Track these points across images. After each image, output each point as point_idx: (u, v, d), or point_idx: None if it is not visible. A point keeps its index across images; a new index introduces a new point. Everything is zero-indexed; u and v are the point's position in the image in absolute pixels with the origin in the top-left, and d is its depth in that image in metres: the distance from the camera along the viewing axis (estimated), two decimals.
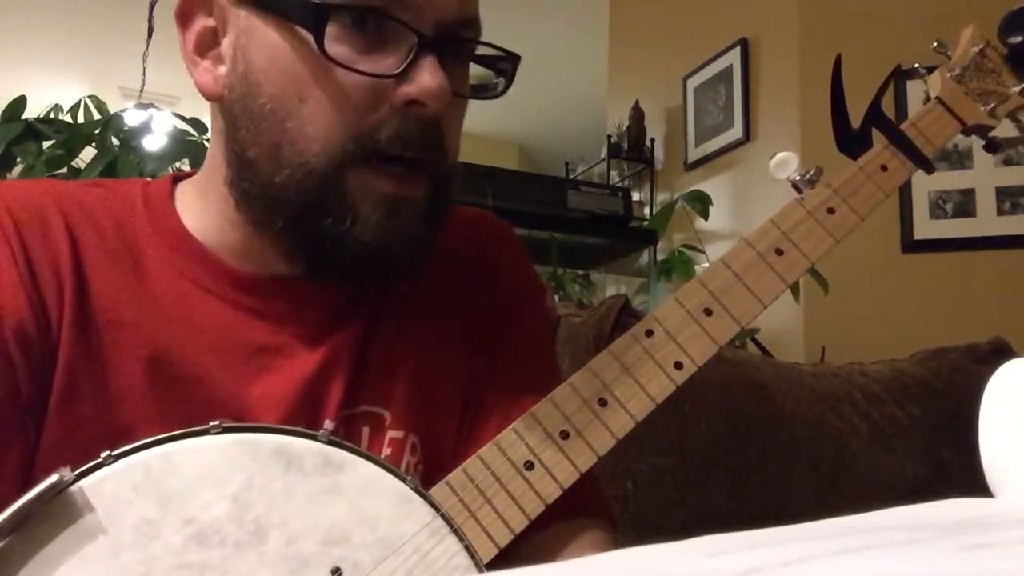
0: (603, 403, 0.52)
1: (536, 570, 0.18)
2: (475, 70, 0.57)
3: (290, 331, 0.56)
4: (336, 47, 0.49)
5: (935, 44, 0.69)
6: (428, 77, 0.48)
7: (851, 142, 0.63)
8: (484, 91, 0.56)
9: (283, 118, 0.50)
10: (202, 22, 0.54)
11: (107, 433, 0.44)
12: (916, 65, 0.69)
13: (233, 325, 0.55)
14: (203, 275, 0.55)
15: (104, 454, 0.42)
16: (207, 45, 0.54)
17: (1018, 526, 0.20)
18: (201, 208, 0.57)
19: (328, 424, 0.54)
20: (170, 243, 0.56)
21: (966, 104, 0.66)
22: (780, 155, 0.61)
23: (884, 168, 0.61)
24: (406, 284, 0.61)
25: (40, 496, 0.40)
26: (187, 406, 0.49)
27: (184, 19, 0.54)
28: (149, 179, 0.61)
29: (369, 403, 0.56)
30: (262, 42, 0.51)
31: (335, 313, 0.57)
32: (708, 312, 0.55)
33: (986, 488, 0.29)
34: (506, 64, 0.56)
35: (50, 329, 0.50)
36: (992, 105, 0.67)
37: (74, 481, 0.41)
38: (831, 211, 0.59)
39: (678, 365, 0.54)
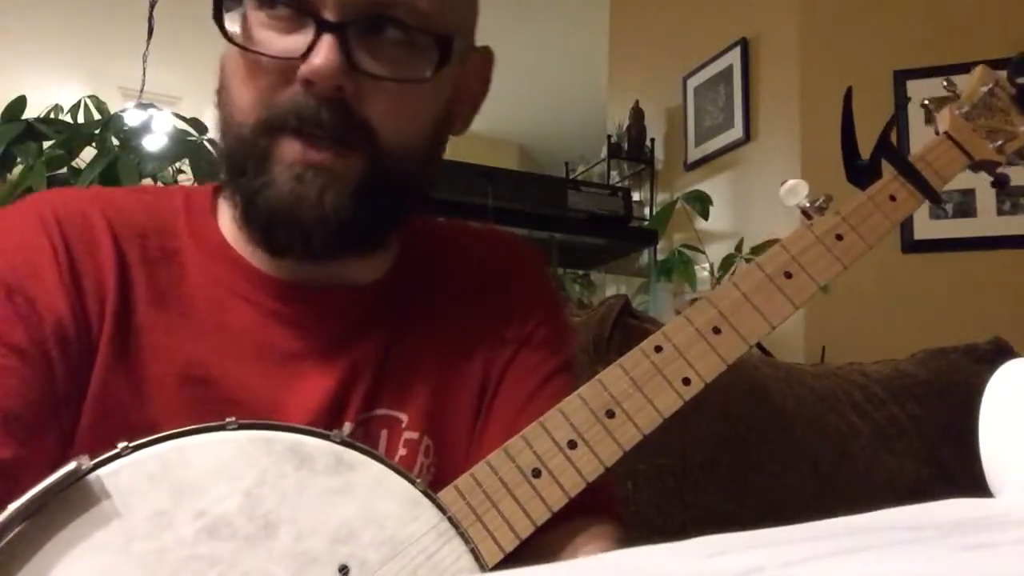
0: (611, 415, 0.53)
1: (536, 570, 0.18)
2: None
3: (318, 337, 0.58)
4: (253, 32, 0.53)
5: (944, 83, 0.71)
6: (317, 57, 0.51)
7: (860, 173, 0.64)
8: (413, 75, 0.55)
9: (225, 95, 0.56)
10: None
11: (138, 432, 0.45)
12: (926, 101, 0.71)
13: (264, 331, 0.57)
14: (238, 282, 0.58)
15: (121, 445, 0.43)
16: None
17: (1018, 526, 0.20)
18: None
19: (347, 427, 0.55)
20: (208, 251, 0.58)
21: (974, 140, 0.68)
22: (791, 182, 0.62)
23: (893, 198, 0.63)
24: (430, 293, 0.63)
25: (57, 483, 0.41)
26: (217, 409, 0.50)
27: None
28: (191, 187, 0.64)
29: (387, 407, 0.58)
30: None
31: (361, 319, 0.60)
32: (717, 331, 0.56)
33: (986, 488, 0.29)
34: (434, 48, 0.54)
35: (90, 331, 0.53)
36: (1000, 142, 0.68)
37: (91, 470, 0.42)
38: (839, 237, 0.60)
39: (686, 381, 0.55)
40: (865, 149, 0.65)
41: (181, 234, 0.59)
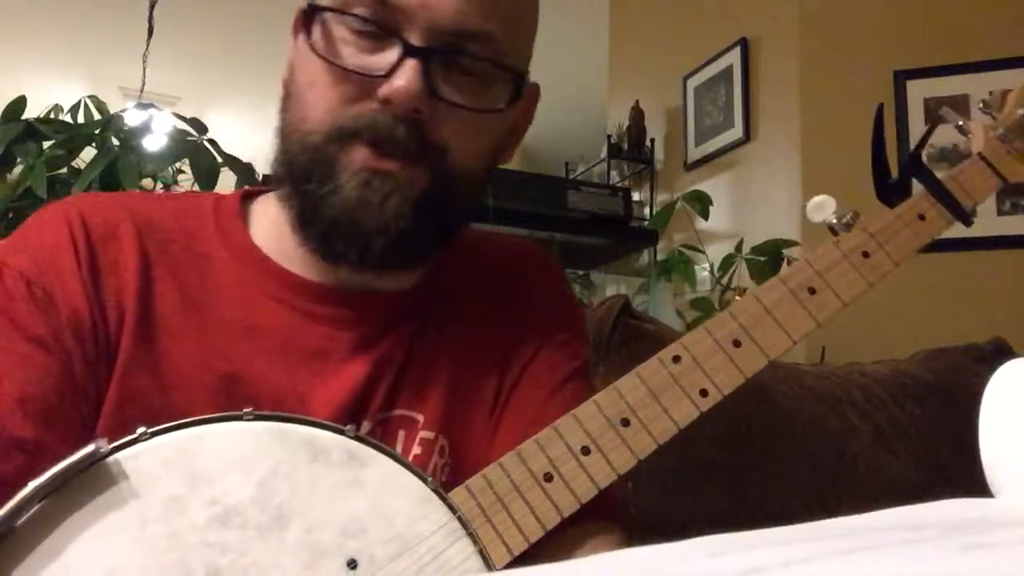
0: (626, 423, 0.53)
1: (537, 570, 0.18)
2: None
3: (344, 337, 0.59)
4: (337, 45, 0.55)
5: (980, 104, 0.70)
6: (399, 79, 0.52)
7: (890, 191, 0.64)
8: (487, 106, 0.58)
9: (296, 101, 0.57)
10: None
11: (161, 422, 0.46)
12: (960, 123, 0.70)
13: (292, 328, 0.58)
14: (267, 282, 0.59)
15: (140, 430, 0.44)
16: None
17: (1018, 526, 0.20)
18: (270, 218, 0.62)
19: (365, 426, 0.57)
20: (237, 255, 0.60)
21: (1008, 162, 0.67)
22: (818, 199, 0.62)
23: (922, 217, 0.63)
24: (451, 297, 0.65)
25: (75, 464, 0.42)
26: (243, 404, 0.51)
27: (293, 33, 0.61)
28: (220, 193, 0.66)
29: (405, 407, 0.60)
30: (301, 43, 0.58)
31: (386, 321, 0.61)
32: (737, 343, 0.56)
33: (986, 488, 0.29)
34: (510, 82, 0.58)
35: (107, 323, 0.55)
36: None
37: (109, 453, 0.43)
38: (866, 255, 0.60)
39: (703, 392, 0.55)
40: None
41: (210, 238, 0.60)
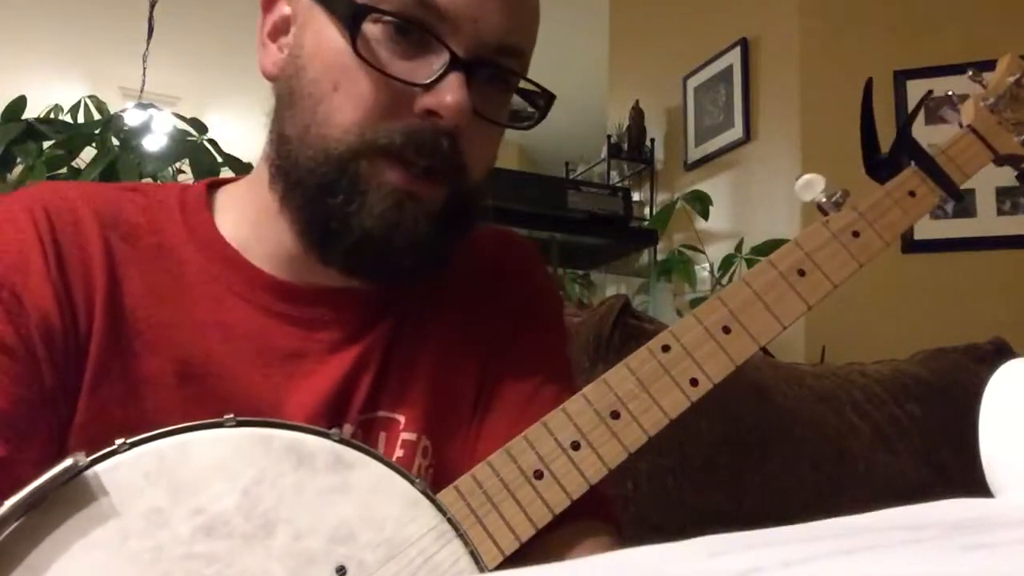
0: (616, 416, 0.52)
1: (535, 570, 0.18)
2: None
3: (319, 338, 0.57)
4: (374, 48, 0.51)
5: (970, 72, 0.67)
6: (449, 92, 0.51)
7: (880, 167, 0.62)
8: (515, 120, 0.59)
9: (316, 102, 0.53)
10: (280, 11, 0.57)
11: (134, 430, 0.44)
12: (950, 92, 0.68)
13: (264, 330, 0.56)
14: (237, 281, 0.57)
15: (119, 441, 0.43)
16: (279, 31, 0.58)
17: (1018, 526, 0.20)
18: (240, 212, 0.59)
19: (347, 429, 0.55)
20: (205, 249, 0.58)
21: (999, 134, 0.65)
22: (806, 177, 0.60)
23: (912, 194, 0.60)
24: (429, 294, 0.63)
25: (53, 479, 0.40)
26: (215, 406, 0.50)
27: (267, 5, 0.58)
28: (185, 184, 0.63)
29: (386, 409, 0.58)
30: (314, 31, 0.54)
31: (362, 320, 0.59)
32: (726, 330, 0.55)
33: (986, 488, 0.29)
34: (541, 100, 0.59)
35: (77, 326, 0.52)
36: None
37: (88, 466, 0.42)
38: (856, 234, 0.58)
39: (694, 382, 0.53)
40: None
41: (177, 231, 0.58)
